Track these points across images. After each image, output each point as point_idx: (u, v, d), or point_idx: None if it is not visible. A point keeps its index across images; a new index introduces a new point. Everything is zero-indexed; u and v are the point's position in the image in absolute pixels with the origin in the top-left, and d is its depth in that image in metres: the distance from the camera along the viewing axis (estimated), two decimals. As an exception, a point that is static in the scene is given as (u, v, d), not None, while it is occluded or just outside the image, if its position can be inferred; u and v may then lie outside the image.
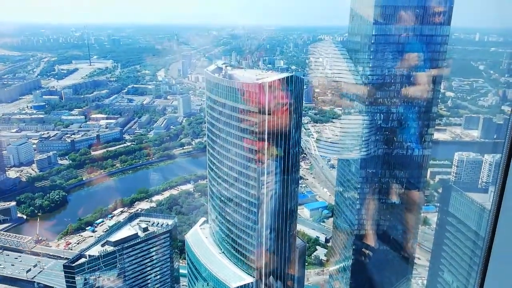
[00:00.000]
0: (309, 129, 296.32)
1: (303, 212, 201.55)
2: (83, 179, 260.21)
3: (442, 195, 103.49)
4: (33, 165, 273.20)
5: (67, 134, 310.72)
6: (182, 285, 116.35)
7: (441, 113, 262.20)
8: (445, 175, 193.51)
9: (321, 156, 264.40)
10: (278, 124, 70.28)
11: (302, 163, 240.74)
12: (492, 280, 6.76)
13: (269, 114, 69.22)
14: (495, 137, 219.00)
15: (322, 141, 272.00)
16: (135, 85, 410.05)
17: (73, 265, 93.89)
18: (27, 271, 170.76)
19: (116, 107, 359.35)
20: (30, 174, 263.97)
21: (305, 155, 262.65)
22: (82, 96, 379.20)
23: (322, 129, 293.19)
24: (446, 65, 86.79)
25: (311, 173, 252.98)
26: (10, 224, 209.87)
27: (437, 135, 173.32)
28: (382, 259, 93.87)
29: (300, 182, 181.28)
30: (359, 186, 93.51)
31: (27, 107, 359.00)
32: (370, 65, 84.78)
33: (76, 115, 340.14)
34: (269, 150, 70.65)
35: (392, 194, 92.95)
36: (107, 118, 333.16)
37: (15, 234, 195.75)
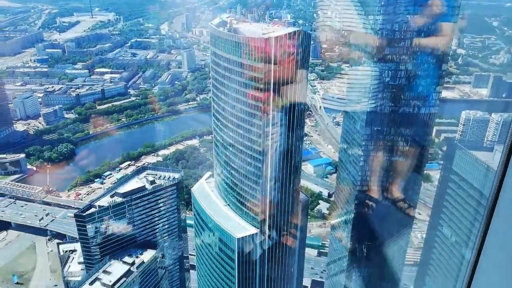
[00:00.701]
0: (315, 86, 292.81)
1: (307, 168, 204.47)
2: (90, 133, 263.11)
3: (446, 153, 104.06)
4: (39, 118, 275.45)
5: (71, 88, 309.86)
6: (189, 235, 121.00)
7: (451, 71, 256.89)
8: (450, 134, 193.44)
9: (326, 113, 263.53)
10: (284, 80, 69.65)
11: (307, 120, 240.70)
12: (494, 237, 6.92)
13: (274, 69, 68.40)
14: (504, 95, 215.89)
15: (328, 98, 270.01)
16: (138, 39, 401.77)
17: (84, 214, 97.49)
18: (40, 220, 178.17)
19: (120, 61, 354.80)
20: (37, 127, 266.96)
21: (310, 112, 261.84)
22: (85, 49, 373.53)
23: (328, 86, 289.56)
24: (458, 21, 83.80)
25: (316, 130, 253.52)
26: (20, 175, 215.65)
27: (445, 93, 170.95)
28: (383, 213, 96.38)
29: (304, 139, 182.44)
30: (363, 143, 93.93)
31: (31, 60, 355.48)
32: (380, 19, 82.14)
33: (80, 69, 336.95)
34: (274, 104, 70.57)
35: (395, 151, 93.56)
36: (111, 73, 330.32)
37: (26, 185, 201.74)
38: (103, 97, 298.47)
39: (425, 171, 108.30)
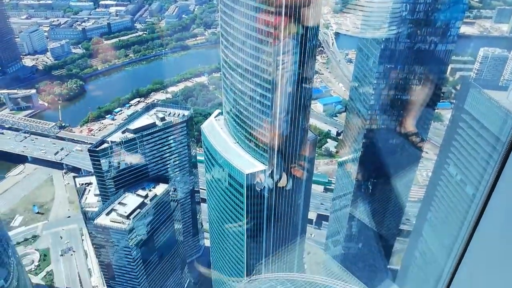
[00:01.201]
0: (328, 20, 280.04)
1: (317, 107, 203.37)
2: (98, 68, 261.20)
3: (460, 92, 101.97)
4: (47, 53, 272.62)
5: (77, 21, 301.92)
6: (200, 170, 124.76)
7: (472, 5, 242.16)
8: (466, 72, 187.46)
9: (339, 50, 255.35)
10: (296, 13, 66.66)
11: (318, 57, 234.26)
12: (507, 179, 6.79)
13: (286, 2, 65.14)
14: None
15: (341, 33, 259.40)
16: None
17: (97, 149, 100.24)
18: (55, 154, 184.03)
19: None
20: (46, 62, 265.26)
21: (322, 49, 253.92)
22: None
23: (342, 21, 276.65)
24: None
25: (327, 68, 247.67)
26: (33, 110, 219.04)
27: (464, 29, 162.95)
28: (390, 151, 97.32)
29: (315, 76, 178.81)
30: (375, 82, 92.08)
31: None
32: None
33: (85, 1, 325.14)
34: (286, 31, 68.24)
35: (407, 90, 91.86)
36: (116, 5, 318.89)
37: (39, 120, 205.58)
38: (110, 31, 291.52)
39: (436, 110, 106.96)
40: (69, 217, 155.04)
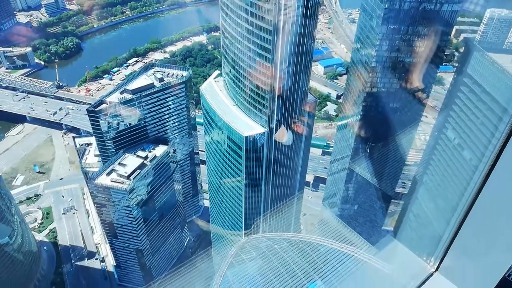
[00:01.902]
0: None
1: (317, 68, 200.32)
2: (94, 26, 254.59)
3: (463, 55, 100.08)
4: (41, 9, 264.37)
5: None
6: (199, 133, 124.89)
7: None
8: (471, 34, 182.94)
9: (342, 8, 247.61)
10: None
11: (320, 17, 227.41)
12: None
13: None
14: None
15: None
16: None
17: (96, 110, 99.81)
18: (54, 114, 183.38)
19: None
20: (40, 19, 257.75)
21: (324, 7, 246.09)
22: None
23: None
24: None
25: (329, 28, 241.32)
26: (29, 69, 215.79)
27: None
28: (389, 115, 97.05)
29: (316, 37, 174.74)
30: (377, 43, 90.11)
31: None
32: None
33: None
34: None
35: (410, 52, 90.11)
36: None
37: (36, 79, 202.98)
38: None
39: (438, 74, 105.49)
40: (62, 179, 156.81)
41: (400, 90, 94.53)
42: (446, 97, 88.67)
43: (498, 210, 7.30)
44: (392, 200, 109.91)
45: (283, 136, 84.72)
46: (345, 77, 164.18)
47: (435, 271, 8.63)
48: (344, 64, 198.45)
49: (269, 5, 68.11)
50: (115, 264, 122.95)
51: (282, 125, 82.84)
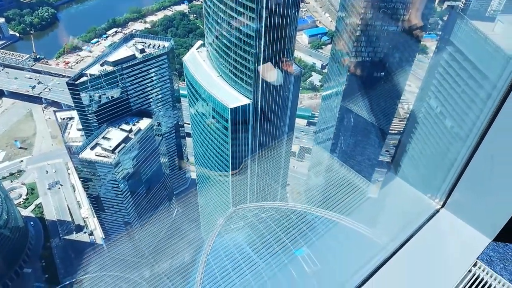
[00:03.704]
0: None
1: (302, 38, 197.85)
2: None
3: (447, 23, 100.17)
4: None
5: None
6: (184, 105, 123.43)
7: None
8: (454, 2, 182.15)
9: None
10: None
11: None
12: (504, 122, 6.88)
13: None
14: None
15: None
16: None
17: (76, 83, 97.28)
18: (33, 88, 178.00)
19: None
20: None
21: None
22: None
23: None
24: None
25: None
26: (4, 42, 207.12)
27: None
28: (374, 84, 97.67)
29: (300, 6, 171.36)
30: (362, 12, 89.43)
31: None
32: None
33: None
34: None
35: (394, 20, 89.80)
36: None
37: (12, 52, 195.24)
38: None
39: (422, 42, 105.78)
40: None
41: (384, 59, 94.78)
42: (429, 66, 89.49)
43: (506, 148, 7.33)
44: (376, 169, 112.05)
45: (268, 106, 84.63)
46: (329, 46, 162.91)
47: (441, 207, 8.67)
48: (329, 33, 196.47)
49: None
50: (103, 237, 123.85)
51: (268, 95, 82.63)
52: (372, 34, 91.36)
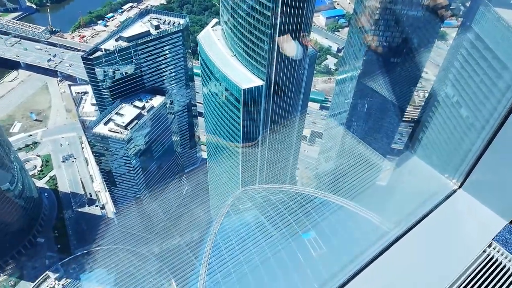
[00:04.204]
0: None
1: (319, 19, 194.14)
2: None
3: (469, 9, 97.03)
4: None
5: None
6: (196, 84, 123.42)
7: None
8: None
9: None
10: None
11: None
12: None
13: None
14: None
15: None
16: None
17: (91, 57, 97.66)
18: (48, 61, 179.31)
19: None
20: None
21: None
22: None
23: None
24: None
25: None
26: (21, 13, 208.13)
27: None
28: (390, 70, 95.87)
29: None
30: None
31: None
32: None
33: None
34: None
35: (415, 5, 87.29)
36: None
37: (28, 24, 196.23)
38: None
39: (442, 28, 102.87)
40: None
41: (402, 45, 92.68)
42: (448, 53, 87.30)
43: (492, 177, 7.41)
44: (388, 156, 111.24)
45: (282, 88, 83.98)
46: (346, 29, 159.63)
47: (459, 188, 8.68)
48: (347, 15, 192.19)
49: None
50: (115, 211, 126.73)
51: (281, 77, 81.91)
52: (391, 18, 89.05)
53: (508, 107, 7.45)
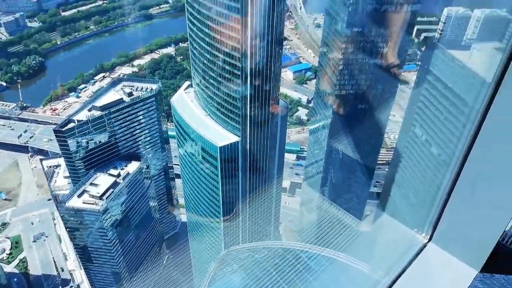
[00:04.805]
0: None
1: (286, 74, 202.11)
2: (58, 43, 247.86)
3: (425, 53, 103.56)
4: (0, 28, 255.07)
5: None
6: (172, 146, 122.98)
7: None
8: (431, 33, 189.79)
9: (307, 13, 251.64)
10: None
11: (286, 23, 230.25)
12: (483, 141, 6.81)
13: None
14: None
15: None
16: None
17: (63, 129, 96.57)
18: (19, 137, 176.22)
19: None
20: (0, 38, 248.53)
21: (290, 14, 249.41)
22: None
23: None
24: None
25: (296, 34, 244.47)
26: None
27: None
28: (359, 116, 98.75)
29: (284, 43, 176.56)
30: (343, 46, 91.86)
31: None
32: None
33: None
34: (252, 8, 66.45)
35: (375, 53, 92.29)
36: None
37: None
38: (67, 2, 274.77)
39: (402, 73, 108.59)
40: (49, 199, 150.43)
41: (368, 91, 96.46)
42: (411, 95, 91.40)
43: (486, 174, 7.28)
44: (368, 200, 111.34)
45: (258, 143, 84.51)
46: (314, 81, 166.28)
47: (428, 241, 8.49)
48: (313, 68, 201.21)
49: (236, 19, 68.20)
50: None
51: (256, 132, 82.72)
52: (354, 67, 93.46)
53: (466, 148, 7.40)
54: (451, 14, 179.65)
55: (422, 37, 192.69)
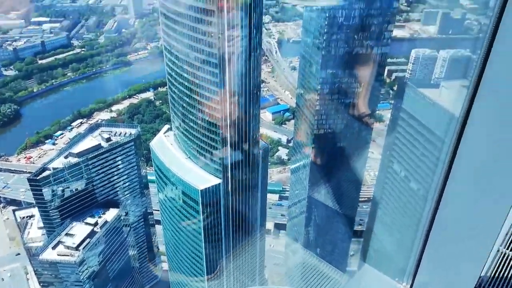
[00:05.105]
0: (270, 29, 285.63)
1: (265, 115, 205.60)
2: (34, 90, 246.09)
3: (397, 92, 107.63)
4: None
5: (7, 41, 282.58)
6: (152, 191, 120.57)
7: (402, 9, 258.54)
8: (401, 73, 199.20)
9: (282, 57, 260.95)
10: (236, 24, 67.02)
11: (263, 66, 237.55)
12: (458, 175, 6.95)
13: (227, 12, 65.31)
14: (450, 32, 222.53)
15: (284, 41, 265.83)
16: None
17: (38, 178, 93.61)
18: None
19: (58, 8, 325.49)
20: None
21: (266, 58, 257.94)
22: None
23: (284, 29, 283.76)
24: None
25: (273, 76, 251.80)
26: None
27: (396, 32, 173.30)
28: (338, 154, 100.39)
29: (262, 85, 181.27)
30: (319, 87, 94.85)
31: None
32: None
33: (14, 19, 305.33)
34: (229, 45, 68.36)
35: (349, 93, 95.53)
36: (50, 22, 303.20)
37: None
38: (44, 50, 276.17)
39: (377, 111, 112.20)
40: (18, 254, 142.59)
41: (345, 129, 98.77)
42: (387, 133, 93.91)
43: (458, 224, 7.32)
44: (352, 239, 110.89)
45: (239, 185, 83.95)
46: (292, 121, 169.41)
47: None
48: (291, 109, 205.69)
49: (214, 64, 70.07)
50: None
51: (237, 174, 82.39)
52: (331, 107, 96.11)
53: (438, 194, 7.62)
54: (419, 55, 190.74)
55: (393, 77, 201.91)
